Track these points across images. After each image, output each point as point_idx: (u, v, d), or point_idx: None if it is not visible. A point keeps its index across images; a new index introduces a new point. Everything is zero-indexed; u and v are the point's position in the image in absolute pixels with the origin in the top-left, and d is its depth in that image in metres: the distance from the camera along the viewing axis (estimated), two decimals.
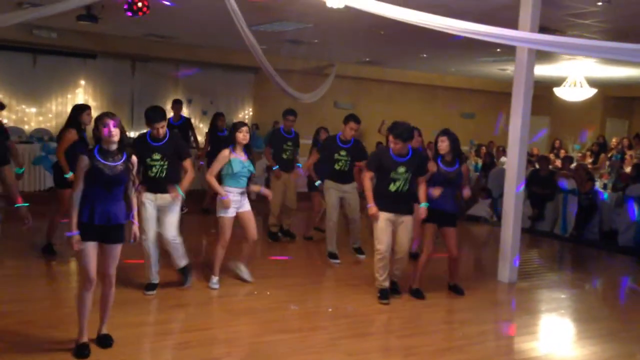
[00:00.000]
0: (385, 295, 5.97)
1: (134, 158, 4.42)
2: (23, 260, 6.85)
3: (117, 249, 4.40)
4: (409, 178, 5.84)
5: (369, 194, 5.84)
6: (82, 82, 12.71)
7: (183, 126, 10.35)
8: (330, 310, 5.77)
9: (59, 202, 6.89)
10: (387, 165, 5.83)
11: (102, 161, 4.20)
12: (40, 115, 12.33)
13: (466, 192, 6.36)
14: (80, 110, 6.82)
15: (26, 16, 7.51)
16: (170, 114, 10.36)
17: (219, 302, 5.83)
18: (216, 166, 6.00)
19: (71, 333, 4.45)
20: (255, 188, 6.26)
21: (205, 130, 11.46)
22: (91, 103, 12.35)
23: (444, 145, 6.12)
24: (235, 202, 6.02)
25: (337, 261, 7.50)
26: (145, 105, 11.75)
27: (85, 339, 4.35)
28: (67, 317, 4.82)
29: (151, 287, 5.83)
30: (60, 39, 11.43)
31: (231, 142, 6.02)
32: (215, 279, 6.14)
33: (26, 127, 12.00)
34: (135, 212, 4.53)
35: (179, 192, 5.73)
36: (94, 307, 4.45)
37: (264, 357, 4.56)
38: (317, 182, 8.05)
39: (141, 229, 5.44)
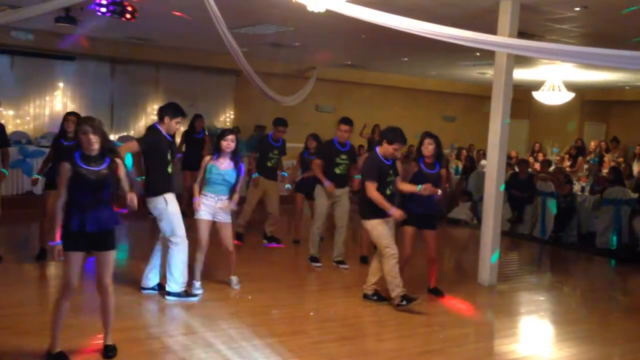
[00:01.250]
0: (410, 297, 5.83)
1: (118, 160, 4.32)
2: (10, 263, 6.76)
3: (110, 255, 4.32)
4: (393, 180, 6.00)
5: (384, 202, 5.76)
6: (61, 85, 12.57)
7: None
8: (312, 314, 5.77)
9: (46, 205, 6.83)
10: (384, 171, 5.89)
11: (85, 167, 4.13)
12: (17, 118, 12.16)
13: (439, 194, 6.23)
14: (64, 118, 6.90)
15: (3, 19, 7.41)
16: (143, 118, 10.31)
17: (200, 306, 5.80)
18: (200, 172, 6.04)
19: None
20: (224, 205, 6.09)
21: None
22: (70, 105, 12.25)
23: (430, 148, 6.16)
24: (210, 207, 6.00)
25: (319, 264, 7.50)
26: (124, 108, 11.68)
27: (58, 349, 4.22)
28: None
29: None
30: (38, 40, 11.30)
31: (215, 149, 6.04)
32: (197, 284, 6.08)
33: None
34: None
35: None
36: (96, 317, 4.40)
37: None
38: (287, 186, 8.17)
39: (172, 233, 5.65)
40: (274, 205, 8.47)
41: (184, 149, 10.37)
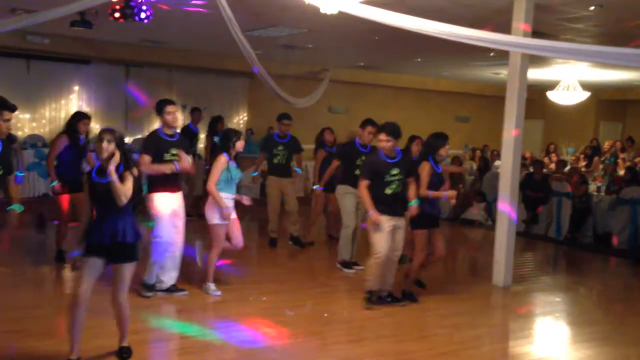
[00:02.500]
0: (376, 299, 5.97)
1: (127, 174, 4.15)
2: (27, 266, 6.83)
3: (127, 269, 4.20)
4: (402, 179, 5.89)
5: (369, 201, 5.79)
6: (76, 88, 12.68)
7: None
8: (325, 315, 5.76)
9: (59, 208, 6.87)
10: (381, 169, 5.84)
11: (95, 178, 4.13)
12: (33, 121, 12.29)
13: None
14: (77, 118, 6.89)
15: (19, 23, 7.47)
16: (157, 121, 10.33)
17: (213, 307, 5.82)
18: (216, 174, 5.92)
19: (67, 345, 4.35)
20: (241, 198, 6.19)
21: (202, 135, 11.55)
22: (85, 109, 12.32)
23: (447, 148, 6.25)
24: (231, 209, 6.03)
25: (352, 271, 7.31)
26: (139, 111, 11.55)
27: (74, 356, 4.16)
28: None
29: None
30: (53, 44, 11.42)
31: (226, 149, 6.03)
32: (212, 285, 6.11)
33: (20, 134, 11.94)
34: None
35: None
36: (112, 320, 4.41)
37: None
38: (315, 186, 8.10)
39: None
40: (291, 202, 8.42)
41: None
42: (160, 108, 5.86)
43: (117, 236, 4.12)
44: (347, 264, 7.38)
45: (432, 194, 6.03)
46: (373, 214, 5.72)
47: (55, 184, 6.71)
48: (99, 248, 4.11)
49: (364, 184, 5.86)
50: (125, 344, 4.45)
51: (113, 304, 4.28)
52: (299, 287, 6.63)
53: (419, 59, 12.75)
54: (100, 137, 4.11)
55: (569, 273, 8.72)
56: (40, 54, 11.84)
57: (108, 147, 4.08)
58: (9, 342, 4.59)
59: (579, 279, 8.25)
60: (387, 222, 5.77)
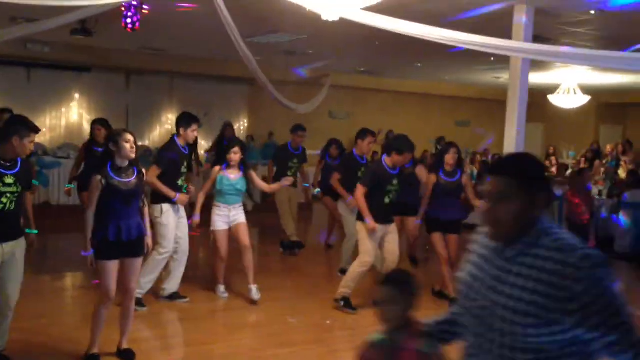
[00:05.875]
0: (350, 304, 5.99)
1: (145, 172, 4.58)
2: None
3: (139, 262, 4.53)
4: (399, 190, 6.01)
5: (366, 209, 5.78)
6: (77, 96, 12.69)
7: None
8: (329, 322, 5.74)
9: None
10: (385, 179, 5.87)
11: (117, 178, 4.27)
12: None
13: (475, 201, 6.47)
14: (93, 127, 7.20)
15: (20, 32, 7.50)
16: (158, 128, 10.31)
17: (217, 315, 5.81)
18: (207, 184, 6.12)
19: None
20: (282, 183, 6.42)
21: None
22: (86, 117, 12.36)
23: (455, 157, 6.33)
24: (224, 217, 6.03)
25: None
26: (140, 118, 11.74)
27: (96, 350, 4.41)
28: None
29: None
30: (54, 52, 11.42)
31: (225, 160, 6.06)
32: (222, 287, 6.22)
33: None
34: (147, 224, 4.63)
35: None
36: (114, 321, 4.50)
37: None
38: (317, 190, 8.10)
39: (157, 241, 5.62)
40: (293, 209, 8.44)
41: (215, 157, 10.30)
42: (187, 123, 5.84)
43: (138, 231, 4.38)
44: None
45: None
46: (371, 222, 5.74)
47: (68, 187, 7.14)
48: (115, 246, 4.27)
49: (362, 191, 5.83)
50: (126, 345, 4.53)
51: (123, 292, 4.45)
52: (299, 294, 6.62)
53: (420, 64, 12.75)
54: (126, 139, 4.29)
55: None
56: (40, 62, 11.87)
57: (134, 146, 4.34)
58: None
59: None
60: (379, 231, 5.84)
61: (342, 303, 5.99)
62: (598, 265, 1.81)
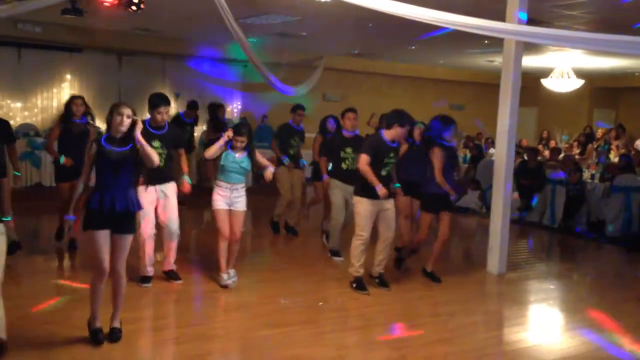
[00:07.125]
0: (363, 285, 6.02)
1: (139, 146, 4.42)
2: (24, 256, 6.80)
3: (125, 240, 4.40)
4: (394, 162, 6.06)
5: (373, 176, 5.78)
6: (68, 77, 12.60)
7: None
8: (320, 304, 5.76)
9: (59, 196, 6.96)
10: (383, 151, 5.89)
11: (107, 146, 4.32)
12: (25, 110, 12.21)
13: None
14: (69, 101, 6.96)
15: (10, 11, 7.40)
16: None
17: (210, 297, 5.81)
18: (214, 147, 5.76)
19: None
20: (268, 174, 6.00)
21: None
22: None
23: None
24: (225, 198, 5.92)
25: (341, 258, 7.27)
26: (132, 99, 11.66)
27: (97, 325, 4.43)
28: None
29: (147, 279, 5.90)
30: (45, 32, 11.31)
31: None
32: (225, 275, 5.98)
33: (12, 123, 11.86)
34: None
35: (188, 182, 5.97)
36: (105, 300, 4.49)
37: (255, 351, 4.56)
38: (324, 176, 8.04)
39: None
40: (296, 193, 8.36)
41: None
42: (154, 105, 5.70)
43: (128, 205, 4.34)
44: (337, 253, 7.39)
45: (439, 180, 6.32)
46: (382, 187, 5.77)
47: (64, 159, 6.72)
48: (104, 216, 4.25)
49: (366, 159, 5.82)
50: (116, 324, 4.52)
51: (111, 275, 4.41)
52: (293, 276, 6.63)
53: (413, 47, 12.71)
54: (119, 112, 4.32)
55: (563, 260, 8.76)
56: (31, 42, 11.75)
57: (129, 120, 4.34)
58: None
59: (573, 266, 8.29)
60: (370, 203, 5.87)
61: (354, 285, 6.05)
62: None
